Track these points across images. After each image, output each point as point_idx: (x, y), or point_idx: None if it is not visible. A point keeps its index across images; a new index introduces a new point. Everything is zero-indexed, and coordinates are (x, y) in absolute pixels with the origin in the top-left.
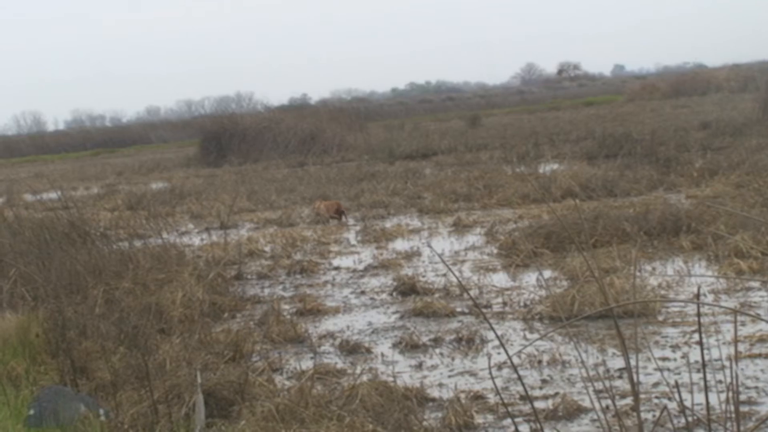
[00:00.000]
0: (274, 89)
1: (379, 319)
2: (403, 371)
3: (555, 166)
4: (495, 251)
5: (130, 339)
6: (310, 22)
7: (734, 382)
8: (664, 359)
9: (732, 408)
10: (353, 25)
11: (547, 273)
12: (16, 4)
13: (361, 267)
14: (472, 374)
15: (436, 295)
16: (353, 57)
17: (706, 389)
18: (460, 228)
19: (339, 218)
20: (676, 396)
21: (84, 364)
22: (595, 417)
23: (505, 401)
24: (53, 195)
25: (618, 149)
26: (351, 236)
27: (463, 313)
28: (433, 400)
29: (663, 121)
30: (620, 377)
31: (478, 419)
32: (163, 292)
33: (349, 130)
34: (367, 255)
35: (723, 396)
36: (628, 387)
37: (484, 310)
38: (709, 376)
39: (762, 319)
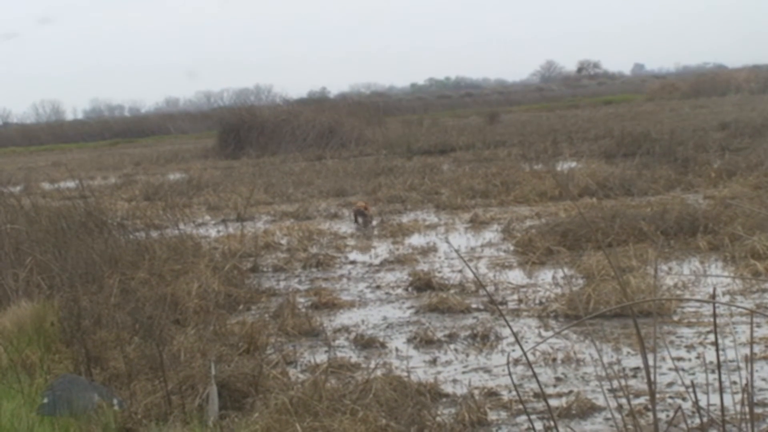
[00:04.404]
0: (293, 82)
1: (394, 314)
2: (417, 366)
3: (573, 164)
4: (511, 248)
5: (145, 329)
6: (330, 15)
7: (749, 383)
8: (679, 359)
9: (746, 409)
10: (373, 20)
11: (564, 271)
12: None
13: (377, 262)
14: (487, 371)
15: (452, 291)
16: (373, 51)
17: (721, 390)
18: (476, 224)
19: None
20: (691, 396)
21: (98, 354)
22: (609, 416)
23: (520, 398)
24: (71, 184)
25: (636, 148)
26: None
27: (478, 310)
28: (447, 395)
29: (682, 120)
30: (634, 376)
31: (492, 416)
32: (179, 283)
33: (368, 125)
34: (383, 250)
35: (738, 397)
36: (642, 386)
37: (500, 307)
38: (723, 377)
39: None
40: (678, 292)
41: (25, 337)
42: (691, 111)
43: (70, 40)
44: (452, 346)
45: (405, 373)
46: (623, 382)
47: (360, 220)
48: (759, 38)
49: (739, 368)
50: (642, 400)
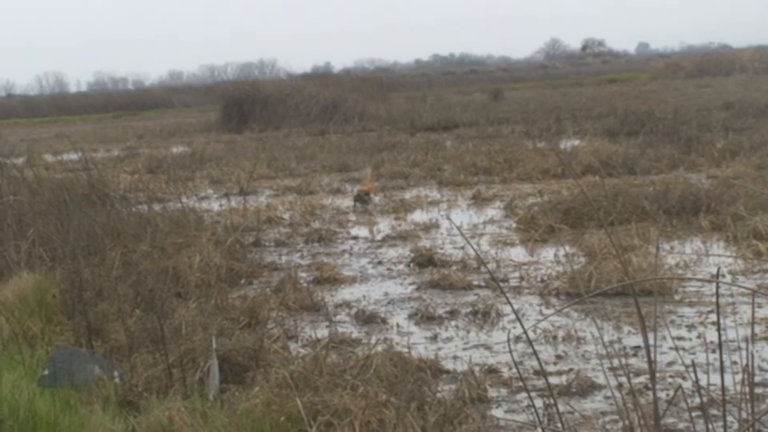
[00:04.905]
0: (297, 57)
1: (395, 290)
2: (418, 342)
3: (576, 142)
4: (513, 225)
5: (146, 302)
6: None
7: (750, 363)
8: (679, 338)
9: (747, 389)
10: None
11: (565, 249)
12: None
13: (379, 237)
14: (487, 347)
15: (454, 268)
16: (377, 27)
17: (722, 370)
18: (479, 201)
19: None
20: (691, 376)
21: (100, 326)
22: (609, 394)
23: (520, 375)
24: (74, 156)
25: (640, 127)
26: (369, 206)
27: (479, 287)
28: (448, 372)
29: (686, 100)
30: (635, 355)
31: (492, 393)
32: (181, 257)
33: (371, 100)
34: (385, 225)
35: (738, 377)
36: (642, 365)
37: (501, 284)
38: (724, 357)
39: None
40: (680, 272)
41: (27, 309)
42: (695, 90)
43: (74, 12)
44: (453, 323)
45: (406, 349)
46: (624, 361)
47: (359, 205)
48: (764, 18)
49: (739, 348)
50: (642, 378)
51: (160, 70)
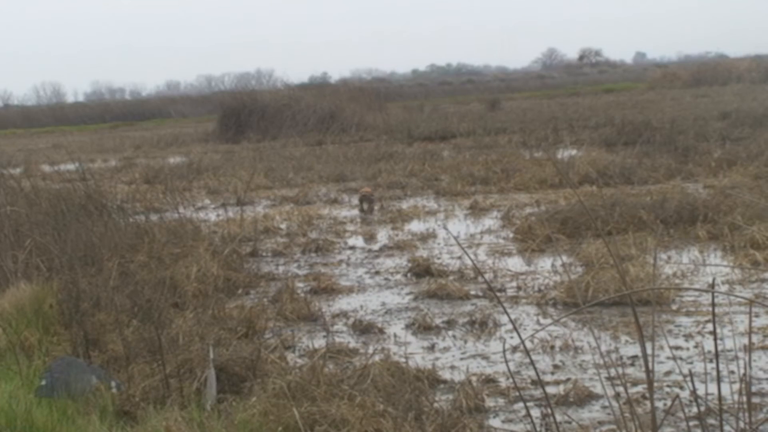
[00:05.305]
0: (294, 67)
1: (392, 300)
2: (415, 352)
3: (573, 152)
4: (511, 235)
5: (143, 312)
6: (331, 0)
7: (747, 372)
8: (677, 348)
9: (744, 399)
10: (375, 5)
11: (563, 258)
12: None
13: (376, 247)
14: (484, 357)
15: (451, 278)
16: (375, 37)
17: (719, 379)
18: (476, 211)
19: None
20: (689, 385)
21: (97, 336)
22: (607, 404)
23: (517, 385)
24: (71, 166)
25: (637, 137)
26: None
27: (477, 296)
28: (445, 382)
29: (683, 109)
30: (632, 365)
31: (489, 402)
32: (178, 267)
33: (369, 110)
34: (382, 235)
35: (735, 386)
36: (639, 375)
37: (498, 294)
38: (721, 367)
39: None
40: (677, 281)
41: (24, 319)
42: (692, 100)
43: (71, 23)
44: (450, 333)
45: (403, 359)
46: (621, 371)
47: (365, 206)
48: (761, 28)
49: (737, 358)
50: (640, 388)
51: (157, 80)
